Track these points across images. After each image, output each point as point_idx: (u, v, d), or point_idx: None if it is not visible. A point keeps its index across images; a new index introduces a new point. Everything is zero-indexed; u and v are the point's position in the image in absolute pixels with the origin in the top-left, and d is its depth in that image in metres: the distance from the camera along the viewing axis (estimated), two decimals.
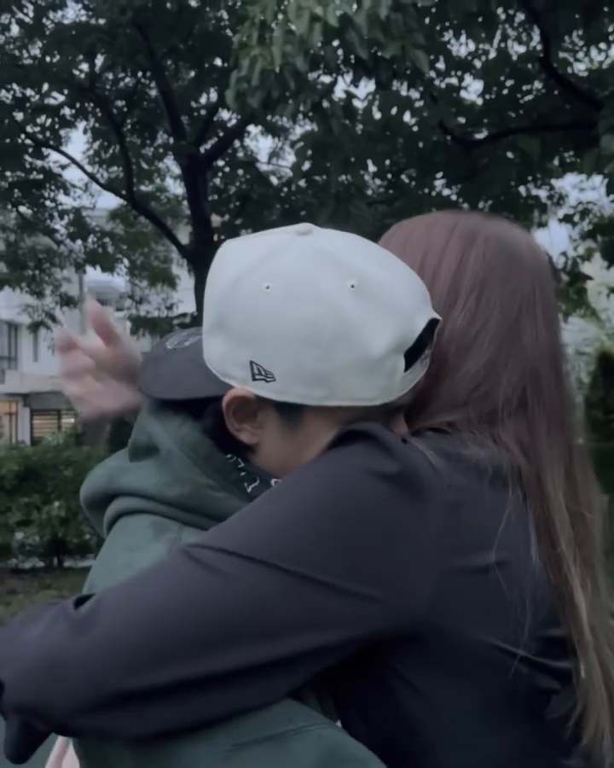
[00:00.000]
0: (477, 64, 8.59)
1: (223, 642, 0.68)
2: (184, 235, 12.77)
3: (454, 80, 8.39)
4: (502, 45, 8.60)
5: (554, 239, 11.90)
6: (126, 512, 0.85)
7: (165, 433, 0.84)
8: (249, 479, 0.83)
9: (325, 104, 6.08)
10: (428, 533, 0.72)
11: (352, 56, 5.39)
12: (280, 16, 5.34)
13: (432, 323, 0.81)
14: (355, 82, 5.81)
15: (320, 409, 0.79)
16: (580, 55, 9.11)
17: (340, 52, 5.43)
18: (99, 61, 9.89)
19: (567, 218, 10.58)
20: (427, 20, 6.81)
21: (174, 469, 0.83)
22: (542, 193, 10.35)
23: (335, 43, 5.28)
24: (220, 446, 0.83)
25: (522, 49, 8.82)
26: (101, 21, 9.00)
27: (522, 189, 9.78)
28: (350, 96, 6.36)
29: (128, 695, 0.66)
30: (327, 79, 6.07)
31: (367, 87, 7.43)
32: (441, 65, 7.95)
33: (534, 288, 0.89)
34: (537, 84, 8.61)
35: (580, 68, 9.17)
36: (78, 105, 10.55)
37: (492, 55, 8.58)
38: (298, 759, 0.69)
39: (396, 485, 0.72)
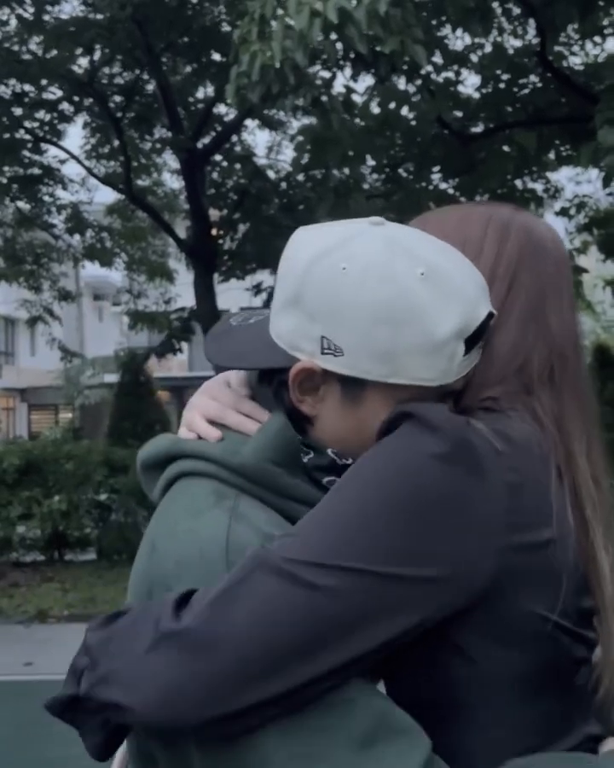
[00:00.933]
0: (474, 58, 8.63)
1: (323, 649, 0.73)
2: (182, 229, 12.81)
3: (451, 74, 8.42)
4: (499, 39, 8.64)
5: None
6: (187, 473, 0.89)
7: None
8: (304, 451, 0.89)
9: (324, 99, 6.13)
10: (494, 513, 0.77)
11: (351, 51, 5.42)
12: (280, 11, 5.37)
13: (489, 316, 0.86)
14: (354, 76, 5.85)
15: (381, 386, 0.83)
16: (576, 48, 9.14)
17: (340, 47, 5.46)
18: (97, 56, 9.90)
19: (563, 212, 10.61)
20: (425, 14, 6.85)
21: (243, 438, 0.88)
22: (539, 186, 10.39)
23: (334, 37, 5.32)
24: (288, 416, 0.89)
25: (518, 44, 8.86)
26: (100, 17, 9.01)
27: (518, 183, 9.81)
28: (349, 90, 6.40)
29: (248, 708, 0.72)
30: (326, 74, 6.11)
31: (365, 81, 7.49)
32: (438, 59, 7.99)
33: (557, 275, 0.96)
34: (534, 78, 8.64)
35: (576, 62, 9.20)
36: (76, 100, 10.56)
37: (488, 49, 8.61)
38: (348, 729, 0.74)
39: (454, 465, 0.77)
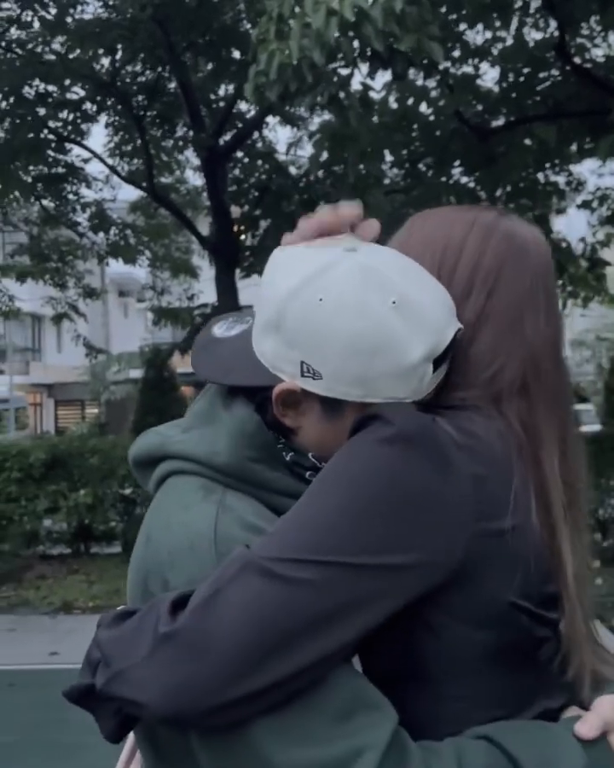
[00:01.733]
0: (494, 51, 8.62)
1: (310, 640, 0.80)
2: (204, 226, 12.89)
3: (470, 69, 8.42)
4: (522, 32, 8.62)
5: (573, 225, 11.83)
6: (176, 472, 0.98)
7: (221, 409, 0.99)
8: (286, 450, 0.98)
9: (342, 96, 6.18)
10: (461, 503, 0.84)
11: (368, 49, 5.46)
12: (298, 10, 5.43)
13: (457, 331, 0.93)
14: (371, 74, 5.88)
15: (358, 403, 0.91)
16: (598, 40, 9.09)
17: (356, 45, 5.50)
18: (119, 56, 9.98)
19: (586, 204, 10.55)
20: (443, 10, 6.87)
21: (223, 440, 0.96)
22: (561, 179, 10.35)
23: (351, 35, 5.36)
24: (267, 424, 0.97)
25: (539, 36, 8.84)
26: (120, 17, 9.10)
27: (540, 176, 9.79)
28: (366, 87, 6.43)
29: (244, 697, 0.79)
30: (344, 71, 6.15)
31: (383, 78, 7.49)
32: (456, 52, 8.00)
33: (537, 282, 0.99)
34: (554, 71, 8.62)
35: (598, 54, 9.15)
36: (98, 99, 10.66)
37: (509, 42, 8.60)
38: (326, 705, 0.81)
39: (420, 459, 0.83)
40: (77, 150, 11.68)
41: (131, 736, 1.19)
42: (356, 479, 0.83)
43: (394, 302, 0.88)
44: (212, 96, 11.20)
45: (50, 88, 10.33)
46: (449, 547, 0.83)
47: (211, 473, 0.96)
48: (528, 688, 0.92)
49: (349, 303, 0.87)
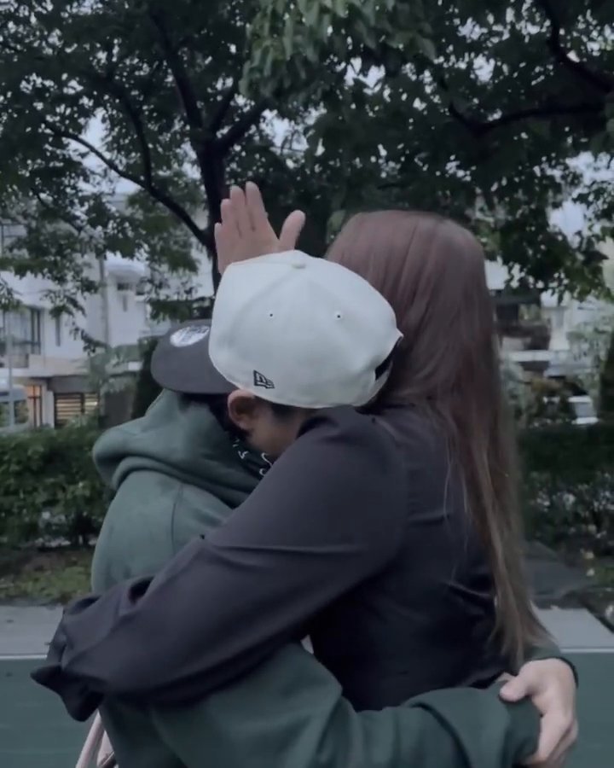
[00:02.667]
0: (489, 46, 8.65)
1: (258, 621, 0.87)
2: (202, 219, 12.93)
3: (463, 65, 8.45)
4: (518, 27, 8.65)
5: (569, 219, 11.86)
6: (136, 469, 1.07)
7: (178, 410, 1.07)
8: (241, 449, 1.06)
9: (336, 91, 6.22)
10: (397, 496, 0.91)
11: (361, 46, 5.50)
12: (291, 7, 5.47)
13: (396, 341, 1.00)
14: (364, 71, 5.93)
15: (307, 408, 0.98)
16: (592, 35, 9.12)
17: (349, 42, 5.55)
18: (116, 51, 10.02)
19: (582, 198, 10.58)
20: (439, 3, 6.90)
21: (179, 439, 1.04)
22: (557, 173, 10.39)
23: (344, 33, 5.40)
24: (225, 425, 1.05)
25: (533, 30, 8.87)
26: (117, 13, 9.13)
27: (536, 170, 9.82)
28: (359, 83, 6.47)
29: (197, 674, 0.86)
30: (337, 68, 6.19)
31: (377, 73, 7.51)
32: (450, 48, 8.02)
33: (471, 285, 1.06)
34: (548, 66, 8.65)
35: (592, 48, 9.17)
36: (95, 94, 10.69)
37: (505, 36, 8.63)
38: (272, 680, 0.89)
39: (359, 455, 0.90)
40: (74, 144, 11.75)
41: (97, 720, 1.26)
42: (301, 475, 0.91)
43: (339, 316, 0.95)
44: (209, 90, 11.24)
45: (47, 83, 10.38)
46: (386, 537, 0.91)
47: (169, 469, 1.04)
48: (462, 661, 1.00)
49: (297, 317, 0.95)
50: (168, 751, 0.96)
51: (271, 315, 0.95)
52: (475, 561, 0.97)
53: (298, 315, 0.95)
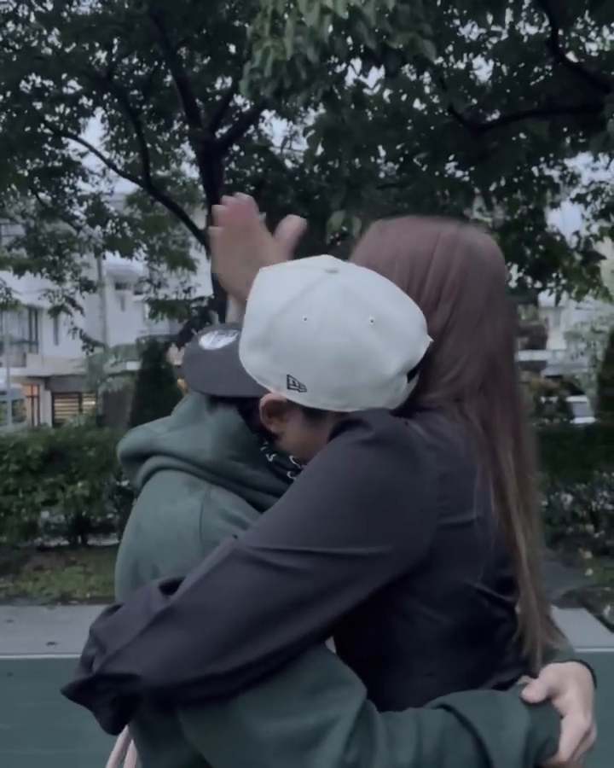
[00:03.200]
0: (488, 46, 8.66)
1: (290, 621, 0.88)
2: (201, 219, 12.93)
3: (463, 65, 8.45)
4: (517, 27, 8.65)
5: (568, 219, 11.88)
6: (162, 468, 1.07)
7: (206, 411, 1.08)
8: (270, 452, 1.06)
9: (336, 92, 6.23)
10: (428, 498, 0.93)
11: (361, 46, 5.51)
12: (292, 7, 5.48)
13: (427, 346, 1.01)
14: (364, 72, 5.93)
15: (338, 412, 0.99)
16: (592, 35, 9.13)
17: (350, 42, 5.55)
18: (115, 51, 10.02)
19: (580, 198, 10.60)
20: (438, 3, 6.91)
21: (207, 440, 1.05)
22: (555, 173, 10.40)
23: (344, 33, 5.41)
24: (253, 428, 1.05)
25: (533, 31, 8.87)
26: (117, 13, 9.13)
27: (534, 170, 9.83)
28: (360, 84, 6.48)
29: (230, 672, 0.87)
30: (337, 68, 6.20)
31: (377, 74, 7.53)
32: (450, 48, 8.03)
33: (493, 290, 1.08)
34: (547, 67, 8.66)
35: (591, 49, 9.18)
36: (95, 94, 10.70)
37: (503, 37, 8.64)
38: (298, 680, 0.90)
39: (392, 458, 0.91)
40: (73, 144, 11.75)
41: (124, 729, 1.27)
42: (334, 477, 0.91)
43: (372, 321, 0.96)
44: (208, 90, 11.24)
45: (47, 82, 10.38)
46: (418, 539, 0.92)
47: (196, 469, 1.04)
48: (485, 663, 1.01)
49: (331, 321, 0.96)
50: (189, 752, 0.97)
51: (305, 319, 0.96)
52: (500, 563, 0.99)
53: (331, 319, 0.96)
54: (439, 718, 0.92)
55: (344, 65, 6.07)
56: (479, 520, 0.96)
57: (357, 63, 6.04)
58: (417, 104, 7.98)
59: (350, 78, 6.65)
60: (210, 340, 1.14)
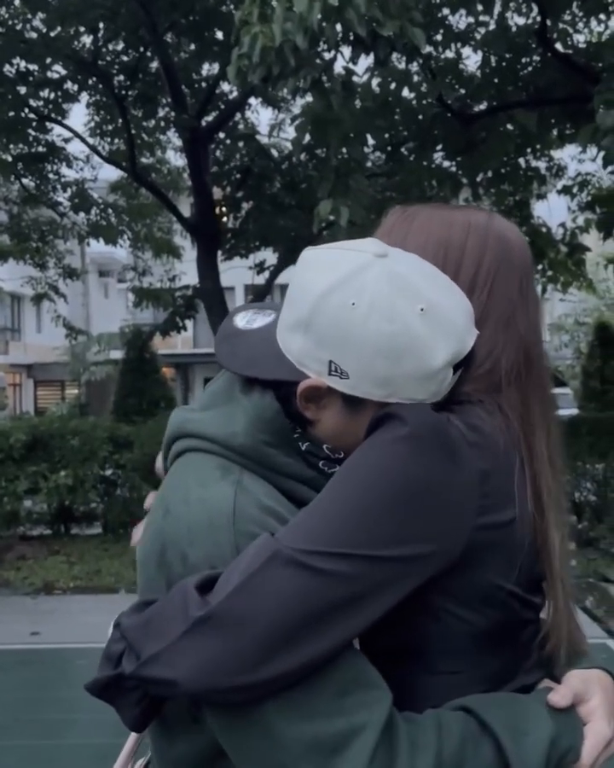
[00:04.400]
0: (477, 36, 8.63)
1: (333, 625, 0.85)
2: (186, 206, 12.87)
3: (452, 54, 8.43)
4: (504, 17, 8.63)
5: (553, 210, 11.89)
6: (193, 449, 1.03)
7: (240, 392, 1.03)
8: (303, 439, 1.02)
9: (324, 79, 6.18)
10: (468, 498, 0.90)
11: (351, 34, 5.47)
12: None
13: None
14: (354, 59, 5.89)
15: (380, 402, 0.95)
16: (580, 26, 9.12)
17: (339, 29, 5.51)
18: (101, 35, 9.91)
19: (566, 190, 10.61)
20: None
21: (240, 423, 1.01)
22: (541, 164, 10.40)
23: (334, 20, 5.36)
24: (286, 413, 1.01)
25: (522, 21, 8.85)
26: None
27: (521, 161, 9.83)
28: (349, 72, 6.44)
29: (273, 677, 0.85)
30: (327, 55, 6.15)
31: (366, 62, 7.45)
32: (439, 37, 8.00)
33: (524, 280, 1.06)
34: (535, 57, 8.64)
35: (579, 40, 9.18)
36: (80, 78, 10.58)
37: (492, 27, 8.61)
38: (326, 683, 0.87)
39: (432, 456, 0.88)
40: (58, 129, 11.63)
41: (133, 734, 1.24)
42: (374, 475, 0.88)
43: (422, 309, 0.92)
44: (195, 77, 11.15)
45: (31, 66, 10.26)
46: (456, 538, 0.90)
47: (228, 453, 1.00)
48: (511, 665, 0.99)
49: (380, 308, 0.91)
50: (203, 741, 0.95)
51: (353, 304, 0.92)
52: (531, 561, 0.97)
53: (380, 305, 0.92)
54: (460, 722, 0.90)
55: (333, 52, 6.02)
56: (518, 519, 0.94)
57: (347, 51, 6.02)
58: (406, 93, 7.95)
59: (338, 66, 6.62)
60: (245, 319, 1.09)
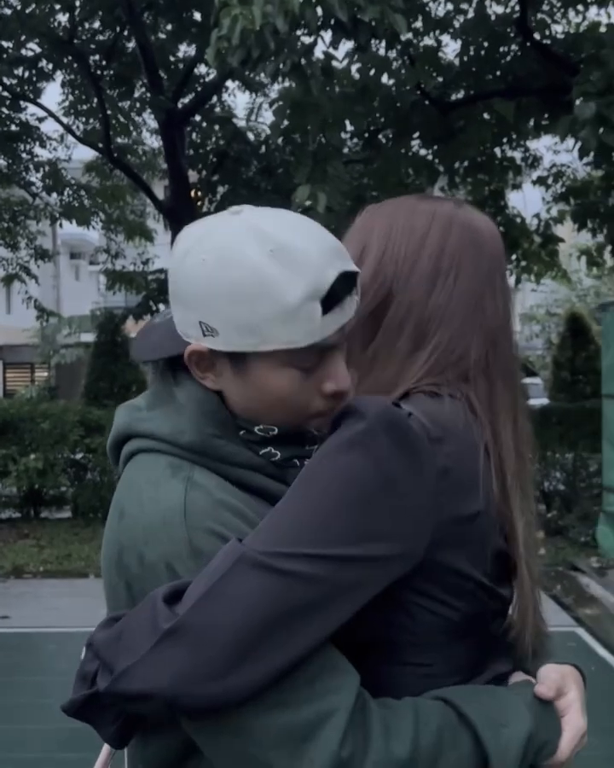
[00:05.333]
0: (456, 24, 8.61)
1: (303, 626, 0.84)
2: (160, 189, 12.75)
3: (431, 41, 8.40)
4: (484, 5, 8.62)
5: (528, 200, 11.93)
6: (143, 450, 1.03)
7: (181, 391, 1.03)
8: (238, 427, 1.02)
9: (304, 64, 6.14)
10: (430, 493, 0.89)
11: (332, 18, 5.43)
12: None
13: (349, 275, 0.95)
14: (334, 44, 5.87)
15: (260, 354, 0.95)
16: (558, 16, 9.13)
17: (320, 13, 5.48)
18: (77, 13, 9.77)
19: (541, 180, 10.65)
20: None
21: (186, 420, 1.01)
22: (517, 154, 10.43)
23: (315, 3, 5.33)
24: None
25: (501, 10, 8.85)
26: None
27: (497, 151, 9.85)
28: (329, 57, 6.41)
29: (247, 681, 0.83)
30: (307, 40, 6.11)
31: (346, 47, 7.38)
32: (419, 24, 7.98)
33: (493, 267, 1.06)
34: (514, 47, 8.65)
35: (558, 30, 9.19)
36: (55, 57, 10.43)
37: (470, 14, 8.60)
38: (294, 672, 0.87)
39: (391, 455, 0.87)
40: (32, 108, 11.48)
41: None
42: (334, 475, 0.88)
43: (271, 250, 0.92)
44: (172, 58, 11.04)
45: (5, 44, 10.09)
46: (421, 534, 0.89)
47: (177, 450, 1.00)
48: (481, 655, 1.00)
49: (227, 257, 0.92)
50: (176, 742, 0.95)
51: (204, 260, 0.93)
52: (500, 550, 0.97)
53: (227, 254, 0.92)
54: (438, 711, 0.90)
55: (313, 36, 5.98)
56: (484, 512, 0.94)
57: (327, 35, 5.99)
58: (385, 79, 7.91)
59: (318, 51, 6.58)
60: (162, 314, 1.11)
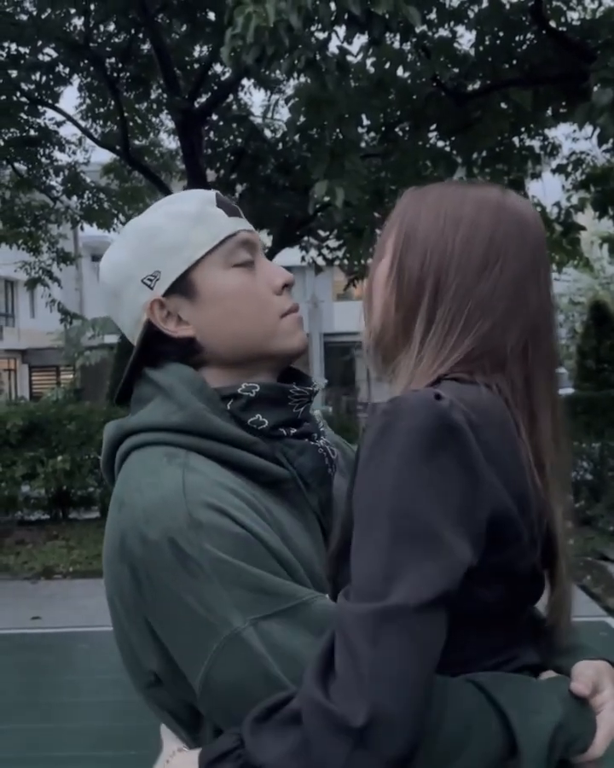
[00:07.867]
0: (471, 14, 8.56)
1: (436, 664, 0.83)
2: (178, 190, 12.76)
3: (446, 32, 8.36)
4: None
5: (548, 189, 11.83)
6: (138, 446, 1.05)
7: (165, 375, 1.09)
8: (227, 400, 1.08)
9: (318, 59, 6.13)
10: (479, 488, 0.88)
11: (345, 13, 5.42)
12: None
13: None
14: (348, 38, 5.85)
15: (201, 271, 1.09)
16: (574, 3, 9.05)
17: (333, 8, 5.46)
18: (92, 17, 9.80)
19: (561, 169, 10.56)
20: None
21: (176, 399, 1.05)
22: (536, 143, 10.34)
23: None
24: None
25: None
26: None
27: (515, 140, 9.78)
28: (343, 51, 6.39)
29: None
30: (321, 35, 6.10)
31: (360, 41, 7.32)
32: (433, 16, 7.94)
33: (537, 255, 1.05)
34: (530, 35, 8.58)
35: (574, 17, 9.10)
36: (71, 61, 10.48)
37: (485, 4, 8.55)
38: (306, 623, 0.90)
39: (441, 452, 0.85)
40: (50, 113, 11.53)
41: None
42: (396, 501, 0.85)
43: (166, 211, 1.13)
44: (187, 58, 11.05)
45: (22, 49, 10.15)
46: (480, 530, 0.89)
47: (170, 436, 1.03)
48: (512, 643, 0.99)
49: (134, 227, 1.15)
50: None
51: (120, 246, 1.15)
52: (534, 538, 0.97)
53: (134, 227, 1.14)
54: (469, 692, 0.90)
55: (327, 32, 5.96)
56: (524, 498, 0.94)
57: (341, 30, 5.97)
58: (400, 72, 7.88)
59: (333, 46, 6.56)
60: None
